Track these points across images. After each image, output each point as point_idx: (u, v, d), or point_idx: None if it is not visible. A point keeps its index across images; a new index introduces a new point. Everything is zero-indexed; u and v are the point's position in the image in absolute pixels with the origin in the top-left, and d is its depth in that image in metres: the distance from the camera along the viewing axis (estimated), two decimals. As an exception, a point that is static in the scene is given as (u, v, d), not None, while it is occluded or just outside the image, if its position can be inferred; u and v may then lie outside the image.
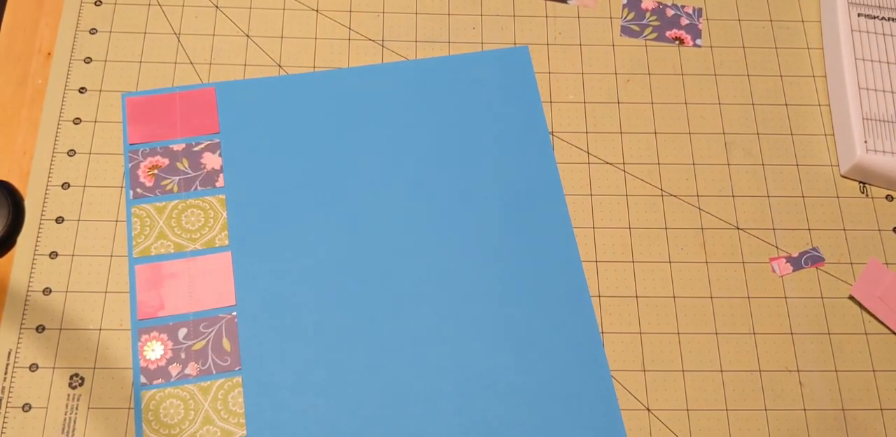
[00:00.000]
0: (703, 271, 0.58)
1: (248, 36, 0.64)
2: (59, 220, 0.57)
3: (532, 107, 0.62)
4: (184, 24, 0.64)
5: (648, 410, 0.54)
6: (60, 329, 0.55)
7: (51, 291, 0.56)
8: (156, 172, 0.58)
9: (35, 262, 0.56)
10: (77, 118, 0.60)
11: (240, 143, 0.59)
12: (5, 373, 0.53)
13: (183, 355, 0.54)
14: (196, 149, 0.59)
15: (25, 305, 0.55)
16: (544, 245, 0.58)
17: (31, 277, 0.56)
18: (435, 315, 0.55)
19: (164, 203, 0.57)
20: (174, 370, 0.53)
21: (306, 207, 0.58)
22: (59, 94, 0.61)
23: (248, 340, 0.54)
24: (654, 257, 0.59)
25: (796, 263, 0.59)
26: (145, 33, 0.63)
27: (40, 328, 0.54)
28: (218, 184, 0.58)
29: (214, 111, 0.60)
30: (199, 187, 0.58)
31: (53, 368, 0.54)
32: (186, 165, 0.58)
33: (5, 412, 0.52)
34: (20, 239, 0.57)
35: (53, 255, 0.57)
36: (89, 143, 0.60)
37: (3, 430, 0.52)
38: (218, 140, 0.59)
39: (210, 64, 0.63)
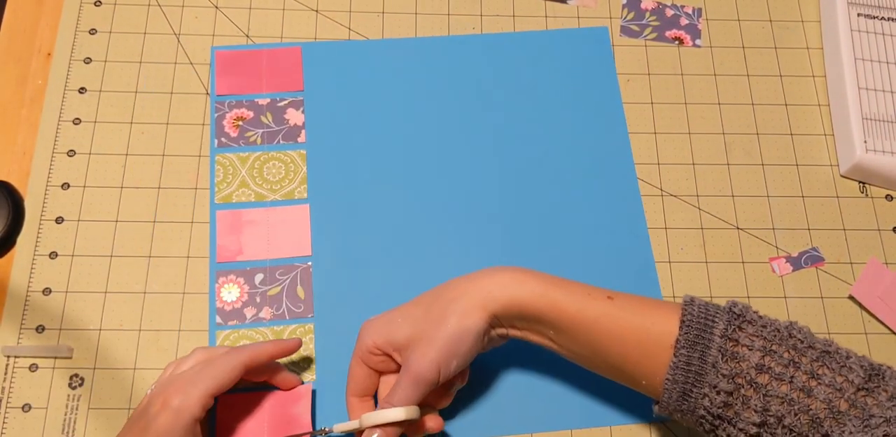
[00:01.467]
0: (703, 270, 0.58)
1: (248, 36, 0.64)
2: (59, 220, 0.57)
3: (609, 85, 0.63)
4: (184, 24, 0.64)
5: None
6: (60, 329, 0.54)
7: (51, 291, 0.56)
8: (240, 123, 0.60)
9: (35, 262, 0.56)
10: (77, 118, 0.60)
11: (322, 101, 0.61)
12: (5, 373, 0.53)
13: (258, 300, 0.55)
14: (280, 105, 0.61)
15: (25, 305, 0.55)
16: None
17: (30, 277, 0.56)
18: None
19: (247, 154, 0.59)
20: (249, 312, 0.55)
21: (383, 166, 0.60)
22: (58, 94, 0.61)
23: (321, 289, 0.56)
24: (655, 256, 0.58)
25: (796, 262, 0.59)
26: (145, 33, 0.63)
27: (40, 328, 0.54)
28: (300, 139, 0.60)
29: (299, 70, 0.62)
30: (281, 141, 0.60)
31: (53, 368, 0.53)
32: (270, 120, 0.60)
33: (5, 412, 0.52)
34: (20, 239, 0.57)
35: (53, 255, 0.56)
36: (89, 143, 0.60)
37: (3, 430, 0.52)
38: (301, 98, 0.61)
39: (210, 64, 0.63)
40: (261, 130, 0.60)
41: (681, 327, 0.43)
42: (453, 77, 0.63)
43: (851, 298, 0.58)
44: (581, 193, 0.60)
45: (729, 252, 0.59)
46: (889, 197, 0.62)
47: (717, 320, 0.42)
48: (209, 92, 0.62)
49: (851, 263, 0.59)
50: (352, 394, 0.49)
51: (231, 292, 0.56)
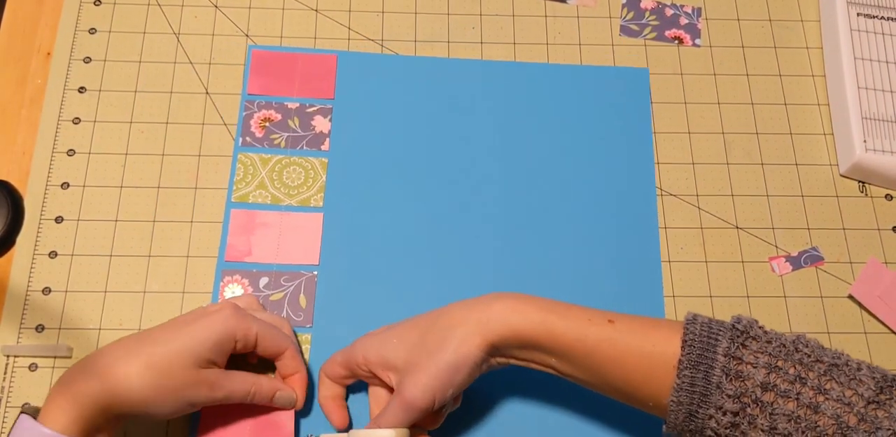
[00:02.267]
0: (703, 270, 0.58)
1: (247, 36, 0.64)
2: (59, 219, 0.57)
3: (643, 129, 0.62)
4: (183, 24, 0.64)
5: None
6: (60, 329, 0.54)
7: (50, 290, 0.56)
8: (267, 124, 0.60)
9: (34, 261, 0.56)
10: (76, 118, 0.60)
11: (351, 112, 0.61)
12: (5, 373, 0.53)
13: (260, 303, 0.55)
14: (309, 110, 0.61)
15: (25, 304, 0.55)
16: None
17: (30, 276, 0.56)
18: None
19: (269, 156, 0.59)
20: None
21: (402, 182, 0.60)
22: (58, 93, 0.61)
23: (323, 300, 0.56)
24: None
25: (796, 262, 0.59)
26: (145, 33, 0.63)
27: (40, 328, 0.54)
28: (323, 147, 0.60)
29: (333, 77, 0.62)
30: (305, 147, 0.60)
31: (53, 368, 0.53)
32: (297, 124, 0.60)
33: (5, 412, 0.52)
34: (20, 239, 0.57)
35: (53, 254, 0.56)
36: (89, 143, 0.60)
37: (3, 430, 0.52)
38: (331, 106, 0.61)
39: (210, 64, 0.63)
40: (286, 134, 0.60)
41: (683, 348, 0.42)
42: (483, 101, 0.62)
43: (851, 297, 0.58)
44: (601, 224, 0.59)
45: (729, 252, 0.59)
46: (889, 196, 0.62)
47: (720, 338, 0.41)
48: (207, 91, 0.62)
49: (851, 262, 0.59)
50: (325, 397, 0.50)
51: (234, 293, 0.55)
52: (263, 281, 0.56)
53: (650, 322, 0.45)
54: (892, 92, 0.62)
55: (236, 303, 0.50)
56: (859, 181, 0.62)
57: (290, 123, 0.60)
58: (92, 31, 0.63)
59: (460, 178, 0.60)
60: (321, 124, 0.60)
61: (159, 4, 0.64)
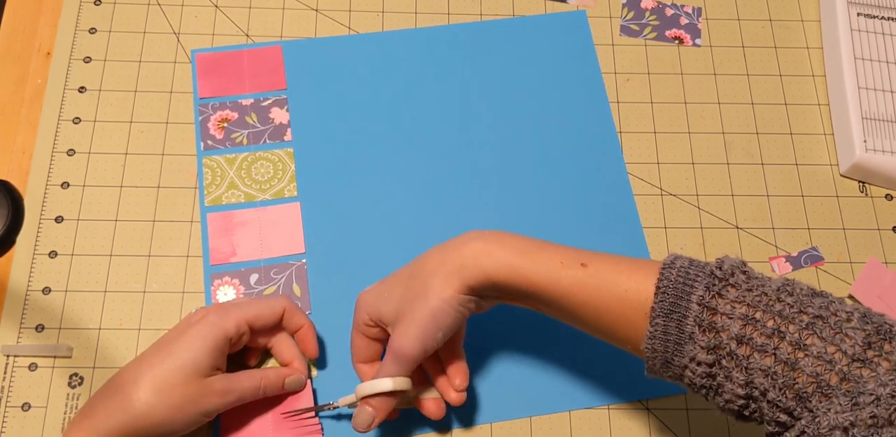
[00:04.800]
0: (703, 270, 0.58)
1: (247, 35, 0.64)
2: (59, 219, 0.57)
3: (591, 68, 0.64)
4: (183, 23, 0.64)
5: (648, 410, 0.54)
6: (60, 329, 0.54)
7: (50, 290, 0.56)
8: (225, 125, 0.60)
9: (34, 261, 0.56)
10: (77, 118, 0.60)
11: (306, 99, 0.62)
12: (5, 373, 0.53)
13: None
14: (264, 104, 0.61)
15: (25, 304, 0.55)
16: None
17: (30, 276, 0.56)
18: None
19: (234, 155, 0.59)
20: None
21: (371, 160, 0.60)
22: (58, 93, 0.61)
23: (317, 285, 0.56)
24: (654, 256, 0.58)
25: (796, 262, 0.59)
26: (145, 33, 0.63)
27: (40, 328, 0.54)
28: (286, 138, 0.60)
29: (281, 68, 0.62)
30: (267, 141, 0.60)
31: (53, 367, 0.53)
32: (255, 120, 0.60)
33: (5, 412, 0.52)
34: (20, 238, 0.57)
35: (53, 254, 0.56)
36: (89, 142, 0.60)
37: (3, 430, 0.52)
38: (285, 96, 0.61)
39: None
40: (246, 131, 0.60)
41: (656, 294, 0.40)
42: (433, 68, 0.63)
43: (851, 297, 0.58)
44: (569, 174, 0.60)
45: (729, 251, 0.59)
46: (889, 196, 0.62)
47: (696, 285, 0.39)
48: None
49: (851, 262, 0.59)
50: (357, 362, 0.51)
51: (227, 294, 0.56)
52: (254, 278, 0.56)
53: (626, 264, 0.43)
54: (892, 92, 0.62)
55: (218, 302, 0.50)
56: (859, 181, 0.62)
57: (247, 119, 0.60)
58: (92, 30, 0.63)
59: (424, 148, 0.61)
60: (279, 116, 0.61)
61: (159, 4, 0.64)
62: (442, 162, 0.60)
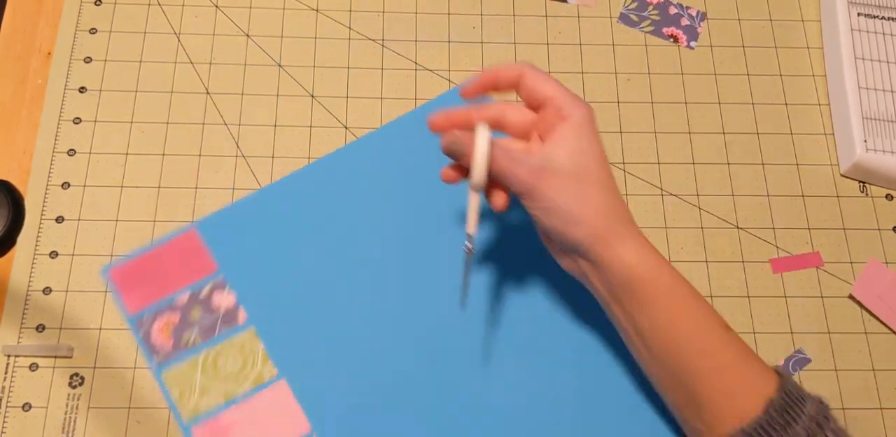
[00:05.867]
0: (703, 270, 0.58)
1: (248, 35, 0.64)
2: (59, 219, 0.57)
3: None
4: (184, 23, 0.64)
5: (648, 409, 0.54)
6: (60, 329, 0.55)
7: (51, 290, 0.56)
8: (171, 329, 0.54)
9: (35, 261, 0.56)
10: (77, 118, 0.60)
11: (245, 271, 0.56)
12: (5, 373, 0.53)
13: None
14: (203, 294, 0.55)
15: (25, 304, 0.55)
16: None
17: (31, 276, 0.56)
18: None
19: (193, 358, 0.53)
20: None
21: (339, 306, 0.55)
22: (59, 93, 0.61)
23: None
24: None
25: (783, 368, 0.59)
26: (145, 33, 0.63)
27: (40, 328, 0.54)
28: (240, 320, 0.54)
29: (204, 250, 0.56)
30: (222, 330, 0.54)
31: (54, 367, 0.54)
32: (200, 313, 0.55)
33: (5, 412, 0.52)
34: (20, 239, 0.57)
35: (53, 254, 0.57)
36: (89, 142, 0.60)
37: (3, 430, 0.52)
38: (221, 276, 0.55)
39: (210, 64, 0.63)
40: (195, 328, 0.54)
41: (779, 390, 0.42)
42: (349, 193, 0.58)
43: (851, 297, 0.58)
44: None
45: (729, 252, 0.59)
46: (889, 196, 0.62)
47: (807, 402, 0.42)
48: (208, 90, 0.62)
49: (851, 262, 0.59)
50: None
51: None
52: None
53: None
54: (892, 92, 0.62)
55: None
56: (860, 181, 0.62)
57: (191, 315, 0.54)
58: (92, 31, 0.63)
59: (383, 267, 0.56)
60: (224, 299, 0.55)
61: (160, 4, 0.64)
62: (410, 280, 0.56)
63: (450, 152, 0.44)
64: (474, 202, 0.44)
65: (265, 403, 0.52)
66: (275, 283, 0.55)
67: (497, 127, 0.47)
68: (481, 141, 0.43)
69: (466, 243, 0.45)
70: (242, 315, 0.55)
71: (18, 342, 0.54)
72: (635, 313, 0.44)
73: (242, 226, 0.57)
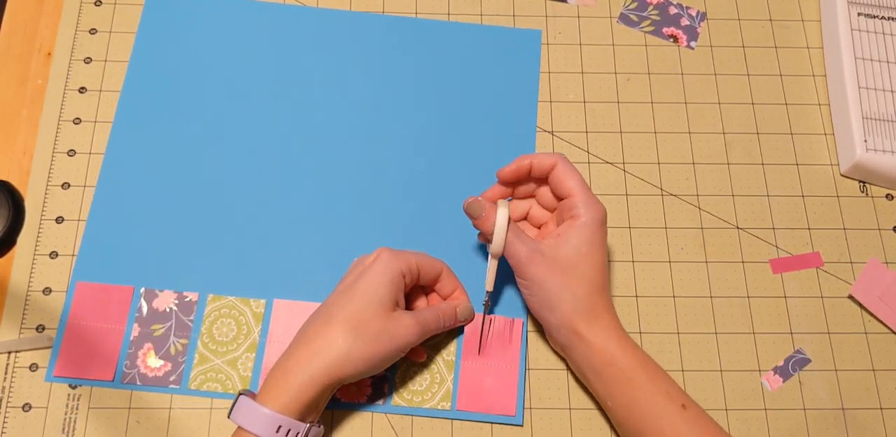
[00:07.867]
0: (703, 270, 0.58)
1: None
2: (59, 220, 0.58)
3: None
4: (184, 23, 0.64)
5: (648, 409, 0.54)
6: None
7: (51, 291, 0.56)
8: (155, 354, 0.54)
9: (35, 262, 0.56)
10: (77, 118, 0.60)
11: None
12: (5, 373, 0.53)
13: None
14: (145, 312, 0.55)
15: (25, 305, 0.55)
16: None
17: (31, 277, 0.56)
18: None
19: (196, 357, 0.54)
20: None
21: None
22: (59, 94, 0.61)
23: None
24: (654, 256, 0.59)
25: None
26: (145, 33, 0.63)
27: (40, 328, 0.55)
28: (192, 298, 0.55)
29: (113, 288, 0.55)
30: (191, 317, 0.55)
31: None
32: (161, 324, 0.55)
33: (5, 412, 0.52)
34: (20, 239, 0.57)
35: (53, 255, 0.57)
36: (89, 143, 0.60)
37: (3, 430, 0.52)
38: (143, 288, 0.55)
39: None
40: (170, 336, 0.54)
41: None
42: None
43: (851, 298, 0.58)
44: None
45: (729, 252, 0.59)
46: (889, 196, 0.62)
47: None
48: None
49: (851, 262, 0.59)
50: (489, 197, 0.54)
51: None
52: None
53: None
54: (892, 92, 0.62)
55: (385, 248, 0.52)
56: (860, 181, 0.62)
57: (155, 332, 0.54)
58: (93, 31, 0.63)
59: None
60: (165, 299, 0.55)
61: (159, 4, 0.64)
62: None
63: (468, 212, 0.51)
64: (493, 266, 0.52)
65: None
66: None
67: (518, 218, 0.55)
68: (501, 217, 0.49)
69: (486, 299, 0.54)
70: (192, 296, 0.55)
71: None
72: (600, 390, 0.50)
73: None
